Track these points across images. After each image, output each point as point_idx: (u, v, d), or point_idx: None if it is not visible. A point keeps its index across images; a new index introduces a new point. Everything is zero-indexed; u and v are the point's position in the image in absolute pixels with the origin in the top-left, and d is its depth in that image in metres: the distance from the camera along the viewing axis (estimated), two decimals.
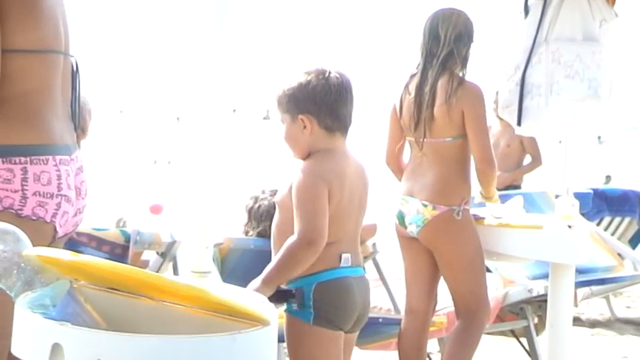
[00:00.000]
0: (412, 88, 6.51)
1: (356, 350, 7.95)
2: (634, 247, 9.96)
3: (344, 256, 4.97)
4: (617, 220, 10.18)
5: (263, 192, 6.55)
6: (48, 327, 3.05)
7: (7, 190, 3.50)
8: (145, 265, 5.21)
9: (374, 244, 6.99)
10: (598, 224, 9.64)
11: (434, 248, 6.52)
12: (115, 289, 3.19)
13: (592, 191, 9.84)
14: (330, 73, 4.93)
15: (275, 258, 4.80)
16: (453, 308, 6.79)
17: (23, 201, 3.51)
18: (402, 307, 6.94)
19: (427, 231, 6.47)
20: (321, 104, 4.91)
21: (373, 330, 7.16)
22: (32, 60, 3.54)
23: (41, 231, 3.54)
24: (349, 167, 4.99)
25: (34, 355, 3.08)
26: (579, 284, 7.44)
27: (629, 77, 7.03)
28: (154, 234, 5.21)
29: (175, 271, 5.17)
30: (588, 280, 7.78)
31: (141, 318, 3.13)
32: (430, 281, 6.64)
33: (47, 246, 3.51)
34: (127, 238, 4.70)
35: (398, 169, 6.68)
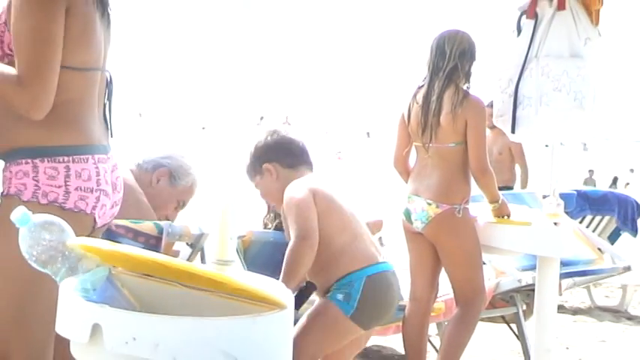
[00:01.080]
0: (419, 98, 6.56)
1: None
2: (612, 242, 9.95)
3: (375, 253, 5.10)
4: (598, 218, 10.17)
5: None
6: (89, 309, 3.04)
7: (51, 185, 3.52)
8: (176, 254, 5.20)
9: (380, 238, 6.99)
10: (581, 222, 9.62)
11: (437, 242, 6.54)
12: (148, 276, 3.18)
13: (575, 192, 9.83)
14: (278, 129, 5.16)
15: (283, 269, 4.87)
16: (450, 296, 6.80)
17: (66, 195, 3.53)
18: (405, 295, 6.93)
19: (431, 227, 6.49)
20: (277, 149, 5.05)
21: None
22: (76, 75, 3.58)
23: (82, 222, 3.56)
24: (322, 183, 5.09)
25: (77, 334, 3.07)
26: (563, 275, 7.42)
27: (608, 90, 7.00)
28: (184, 227, 5.19)
29: (203, 260, 5.15)
30: (571, 271, 7.77)
31: (172, 301, 3.12)
32: (433, 272, 6.66)
33: (87, 236, 3.54)
34: (160, 231, 4.69)
35: (404, 171, 6.71)
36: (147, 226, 4.52)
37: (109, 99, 3.79)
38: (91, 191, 3.56)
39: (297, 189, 5.00)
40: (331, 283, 5.06)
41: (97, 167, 3.57)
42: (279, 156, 5.13)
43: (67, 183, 3.53)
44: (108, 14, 3.73)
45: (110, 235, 4.25)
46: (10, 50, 3.57)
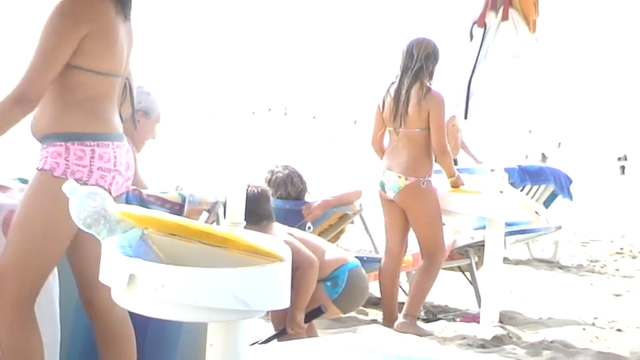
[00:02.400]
0: (392, 91, 6.60)
1: None
2: (547, 207, 9.95)
3: (344, 256, 5.24)
4: (535, 187, 10.17)
5: (277, 166, 6.59)
6: (126, 262, 3.04)
7: (79, 165, 3.56)
8: (196, 218, 5.19)
9: (360, 204, 7.00)
10: (521, 190, 9.62)
11: (406, 208, 6.60)
12: (174, 235, 3.18)
13: (517, 167, 9.84)
14: (250, 186, 5.13)
15: (295, 294, 4.68)
16: (417, 251, 6.82)
17: (89, 174, 3.56)
18: (380, 250, 6.95)
19: (401, 195, 6.56)
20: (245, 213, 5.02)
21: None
22: (100, 79, 3.63)
23: None
24: (286, 228, 5.25)
25: (116, 283, 3.07)
26: (507, 234, 7.43)
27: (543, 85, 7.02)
28: (203, 196, 5.18)
29: (218, 223, 5.14)
30: (514, 230, 7.77)
31: (193, 256, 3.12)
32: (403, 231, 6.71)
33: None
34: (183, 199, 4.66)
35: (380, 150, 6.76)
36: (172, 196, 4.49)
37: (128, 97, 3.85)
38: (109, 171, 3.60)
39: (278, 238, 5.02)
40: (323, 275, 5.12)
41: (115, 152, 3.62)
42: (248, 217, 5.08)
43: (92, 163, 3.57)
44: (129, 18, 3.75)
45: (142, 202, 4.24)
46: None
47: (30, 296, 3.59)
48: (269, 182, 6.54)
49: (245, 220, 4.92)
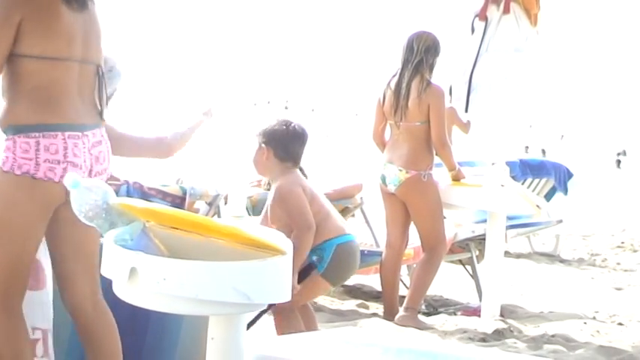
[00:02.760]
0: (392, 85, 6.58)
1: None
2: (548, 200, 9.96)
3: (339, 228, 5.08)
4: (537, 181, 10.17)
5: None
6: (127, 255, 3.04)
7: (25, 158, 3.50)
8: (196, 211, 5.19)
9: (361, 198, 7.02)
10: (522, 184, 9.62)
11: (407, 201, 6.59)
12: (175, 228, 3.18)
13: (519, 160, 9.84)
14: (291, 123, 5.09)
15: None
16: (418, 244, 6.82)
17: (37, 167, 3.50)
18: (381, 243, 6.95)
19: (402, 188, 6.55)
20: (278, 140, 5.05)
21: (360, 259, 7.16)
22: (46, 64, 3.56)
23: (53, 189, 3.53)
24: (304, 179, 5.12)
25: (118, 276, 3.07)
26: (509, 227, 7.43)
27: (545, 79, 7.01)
28: (204, 189, 5.18)
29: (218, 216, 5.15)
30: (515, 224, 7.77)
31: (194, 249, 3.12)
32: (404, 225, 6.70)
33: (62, 203, 3.52)
34: (184, 192, 4.69)
35: (381, 144, 6.75)
36: (173, 189, 4.51)
37: (100, 89, 3.71)
38: (58, 163, 3.52)
39: (291, 188, 5.00)
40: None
41: (65, 142, 3.53)
42: (277, 146, 5.06)
43: (37, 156, 3.50)
44: (82, 3, 3.65)
45: (144, 195, 4.24)
46: None
47: (6, 294, 3.56)
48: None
49: (276, 152, 4.99)
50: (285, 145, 5.05)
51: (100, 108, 3.69)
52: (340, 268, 5.07)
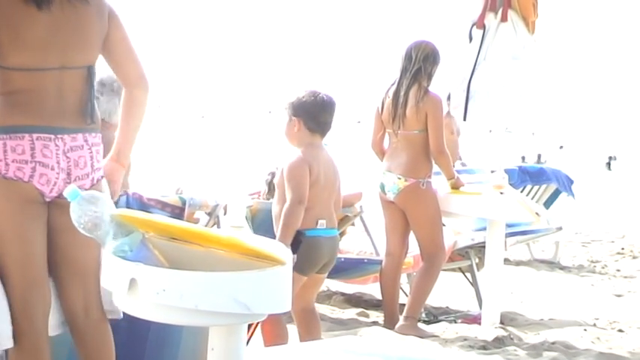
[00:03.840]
0: (390, 93, 6.58)
1: (341, 283, 7.99)
2: (547, 207, 9.95)
3: (320, 221, 5.16)
4: (536, 188, 10.16)
5: (277, 168, 6.58)
6: (127, 266, 3.03)
7: None
8: (196, 221, 5.19)
9: (361, 206, 7.01)
10: (522, 191, 9.61)
11: (406, 209, 6.59)
12: (175, 239, 3.17)
13: (518, 168, 9.83)
14: (320, 93, 5.20)
15: (280, 223, 5.01)
16: (417, 252, 6.81)
17: (6, 167, 3.52)
18: (381, 252, 6.94)
19: (401, 196, 6.55)
20: (308, 111, 5.17)
21: (360, 268, 7.16)
22: (21, 74, 3.55)
23: (23, 189, 3.53)
24: (323, 157, 5.20)
25: (118, 287, 3.07)
26: (508, 235, 7.41)
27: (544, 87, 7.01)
28: (203, 199, 5.18)
29: (218, 226, 5.15)
30: (514, 231, 7.75)
31: (193, 259, 3.11)
32: (403, 233, 6.70)
33: (41, 204, 3.55)
34: (184, 203, 4.68)
35: (380, 152, 6.75)
36: (173, 200, 4.50)
37: (89, 93, 3.66)
38: (26, 163, 3.53)
39: (298, 164, 5.09)
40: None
41: (32, 143, 3.52)
42: (307, 117, 5.17)
43: (6, 157, 3.52)
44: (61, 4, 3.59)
45: (143, 206, 4.23)
46: None
47: (26, 303, 3.56)
48: (269, 184, 6.55)
49: (306, 123, 5.05)
50: (314, 115, 5.17)
51: (88, 111, 3.67)
52: (306, 261, 5.11)
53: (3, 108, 3.55)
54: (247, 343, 4.82)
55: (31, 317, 3.55)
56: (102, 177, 3.71)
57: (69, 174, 3.58)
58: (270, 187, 6.44)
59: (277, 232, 5.04)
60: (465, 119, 6.78)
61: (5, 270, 3.56)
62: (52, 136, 3.55)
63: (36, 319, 3.56)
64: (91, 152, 3.65)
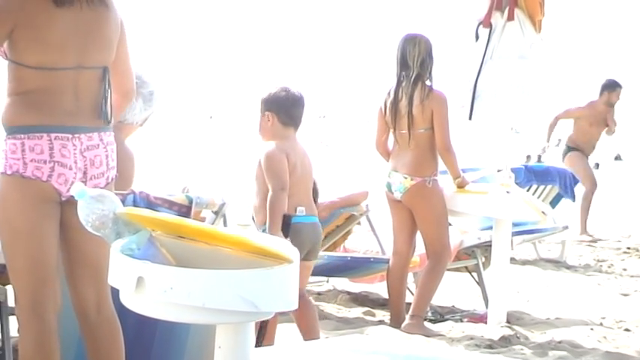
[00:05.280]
0: (393, 93, 6.56)
1: (347, 282, 8.00)
2: (553, 207, 9.94)
3: (299, 208, 5.33)
4: (542, 187, 10.16)
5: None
6: (134, 265, 3.04)
7: (14, 158, 3.57)
8: (203, 220, 5.19)
9: (367, 205, 7.01)
10: (528, 190, 9.61)
11: (412, 208, 6.59)
12: (182, 237, 3.18)
13: (524, 167, 9.83)
14: (289, 89, 5.39)
15: (268, 213, 5.21)
16: (423, 251, 6.82)
17: (24, 166, 3.56)
18: (387, 251, 6.95)
19: (407, 195, 6.55)
20: (280, 105, 5.34)
21: (366, 267, 7.17)
22: (38, 73, 3.60)
23: (41, 188, 3.57)
24: (298, 148, 5.39)
25: (125, 285, 3.07)
26: (514, 234, 7.40)
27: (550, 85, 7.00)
28: (210, 198, 5.18)
29: (225, 224, 5.15)
30: (521, 230, 7.74)
31: (201, 258, 3.12)
32: (410, 232, 6.70)
33: (55, 202, 3.61)
34: (190, 201, 4.68)
35: (384, 153, 6.75)
36: (179, 198, 4.50)
37: (105, 92, 3.71)
38: (45, 162, 3.57)
39: (275, 153, 5.26)
40: (264, 221, 5.28)
41: (50, 143, 3.56)
42: (280, 111, 5.32)
43: (24, 156, 3.56)
44: (88, 5, 3.63)
45: (150, 205, 4.24)
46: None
47: (35, 301, 3.58)
48: None
49: (279, 117, 5.15)
50: (287, 109, 5.33)
51: (104, 111, 3.69)
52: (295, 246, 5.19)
53: (20, 107, 3.60)
54: (260, 343, 4.88)
55: (41, 315, 3.58)
56: (116, 175, 3.75)
57: (85, 173, 3.62)
58: None
59: (257, 222, 5.25)
60: (470, 118, 6.77)
61: (17, 267, 3.60)
62: (70, 136, 3.60)
63: (46, 317, 3.59)
64: (106, 151, 3.69)
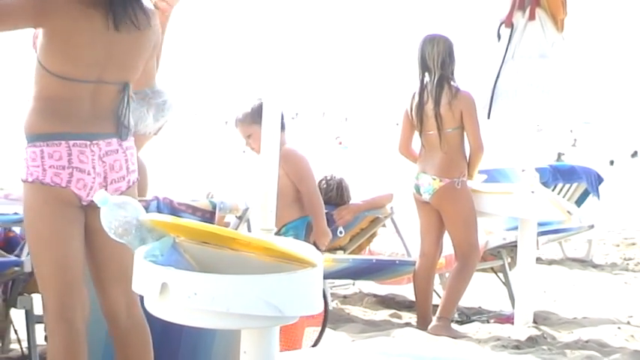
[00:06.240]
0: (417, 96, 6.54)
1: (373, 285, 7.98)
2: (579, 206, 9.88)
3: None
4: (567, 186, 10.10)
5: (331, 176, 6.78)
6: (158, 271, 3.03)
7: (34, 166, 3.58)
8: (227, 225, 5.19)
9: (391, 207, 6.98)
10: (553, 190, 9.55)
11: (441, 209, 6.58)
12: (205, 243, 3.17)
13: (549, 166, 9.78)
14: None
15: (316, 211, 5.75)
16: (449, 252, 6.79)
17: (44, 172, 3.57)
18: (413, 253, 6.92)
19: (436, 197, 6.53)
20: None
21: (391, 269, 7.13)
22: (59, 81, 3.61)
23: (61, 194, 3.58)
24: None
25: (149, 292, 3.06)
26: (540, 234, 7.36)
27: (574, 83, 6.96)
28: (233, 203, 5.18)
29: (249, 229, 5.14)
30: (546, 230, 7.71)
31: (225, 263, 3.11)
32: (438, 233, 6.68)
33: (77, 207, 3.61)
34: (214, 206, 4.67)
35: (409, 155, 6.74)
36: (203, 204, 4.49)
37: (123, 105, 3.70)
38: (63, 168, 3.58)
39: (301, 155, 5.79)
40: (285, 221, 5.62)
41: (69, 149, 3.57)
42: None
43: (43, 163, 3.57)
44: (119, 25, 3.61)
45: (174, 211, 4.24)
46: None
47: (63, 306, 3.58)
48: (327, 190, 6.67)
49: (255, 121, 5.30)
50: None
51: (122, 120, 3.69)
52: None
53: (39, 115, 3.62)
54: (318, 342, 4.91)
55: (69, 320, 3.57)
56: (137, 179, 3.76)
57: (105, 178, 3.63)
58: (321, 190, 6.38)
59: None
60: (488, 117, 6.74)
61: (43, 273, 3.60)
62: (88, 142, 3.61)
63: (74, 322, 3.59)
64: (126, 155, 3.70)
